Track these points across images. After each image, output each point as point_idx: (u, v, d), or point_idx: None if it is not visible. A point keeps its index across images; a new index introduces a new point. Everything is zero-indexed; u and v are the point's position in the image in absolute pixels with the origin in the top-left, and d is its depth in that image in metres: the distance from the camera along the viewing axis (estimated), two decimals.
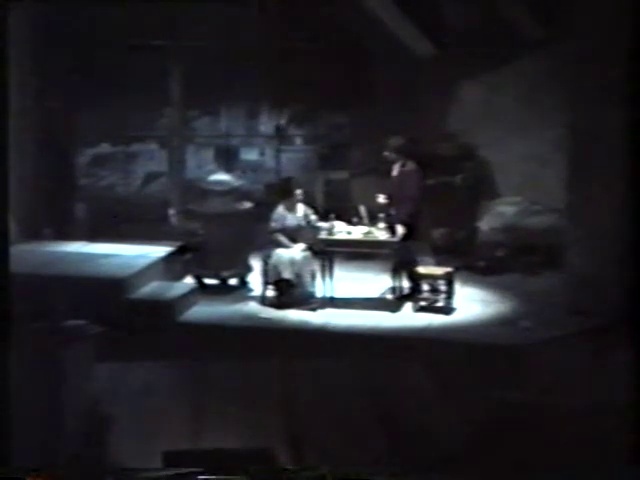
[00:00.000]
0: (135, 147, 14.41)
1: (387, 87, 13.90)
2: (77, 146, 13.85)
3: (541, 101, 12.96)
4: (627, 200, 9.57)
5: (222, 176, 12.12)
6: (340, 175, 13.80)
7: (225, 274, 11.74)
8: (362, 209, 11.13)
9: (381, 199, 11.08)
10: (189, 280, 11.70)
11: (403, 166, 11.17)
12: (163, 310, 10.54)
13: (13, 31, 7.03)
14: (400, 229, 10.91)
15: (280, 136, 14.37)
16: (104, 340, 7.75)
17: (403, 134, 11.33)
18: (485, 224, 12.91)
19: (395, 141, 11.15)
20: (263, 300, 11.14)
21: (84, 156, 14.18)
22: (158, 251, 11.71)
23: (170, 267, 11.63)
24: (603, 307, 10.08)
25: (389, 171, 11.29)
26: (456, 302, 10.99)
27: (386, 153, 11.20)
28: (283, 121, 14.52)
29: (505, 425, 7.70)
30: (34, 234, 12.15)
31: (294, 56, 13.54)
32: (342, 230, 11.09)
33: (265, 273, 11.17)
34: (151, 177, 14.39)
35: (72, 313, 7.60)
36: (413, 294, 11.09)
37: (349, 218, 11.17)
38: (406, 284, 11.19)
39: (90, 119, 13.73)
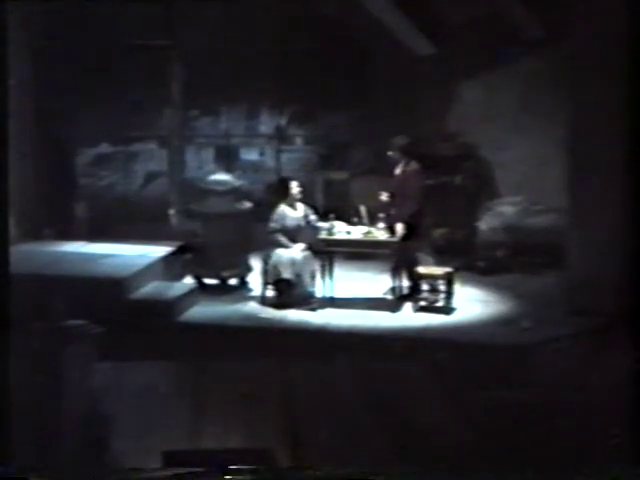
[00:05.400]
0: (135, 147, 14.42)
1: (387, 87, 13.92)
2: (77, 146, 13.85)
3: (541, 101, 12.97)
4: (627, 200, 9.57)
5: (222, 176, 12.12)
6: (340, 175, 13.80)
7: (225, 274, 11.74)
8: (362, 209, 11.13)
9: (384, 197, 11.09)
10: (189, 280, 11.70)
11: (406, 165, 11.18)
12: (163, 310, 10.54)
13: (13, 31, 7.03)
14: (400, 229, 10.92)
15: (280, 136, 14.37)
16: (104, 340, 7.74)
17: (403, 134, 11.34)
18: (485, 224, 12.91)
19: (399, 141, 11.16)
20: (263, 300, 11.15)
21: (84, 156, 14.18)
22: (158, 251, 11.71)
23: (170, 267, 11.63)
24: (603, 307, 10.08)
25: (390, 171, 11.29)
26: (456, 302, 10.99)
27: (390, 153, 11.21)
28: (283, 121, 14.52)
29: (505, 425, 7.69)
30: (34, 234, 12.15)
31: (294, 56, 13.55)
32: (342, 230, 11.09)
33: (265, 273, 11.17)
34: (151, 177, 14.39)
35: (72, 313, 7.60)
36: (413, 294, 11.09)
37: (349, 218, 11.18)
38: (406, 284, 11.20)
39: (90, 119, 13.73)
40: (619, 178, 9.88)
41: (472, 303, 11.18)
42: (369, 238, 11.00)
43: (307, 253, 11.12)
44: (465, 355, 9.40)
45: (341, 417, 7.94)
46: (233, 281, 11.87)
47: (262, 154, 14.60)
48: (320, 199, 13.35)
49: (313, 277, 11.11)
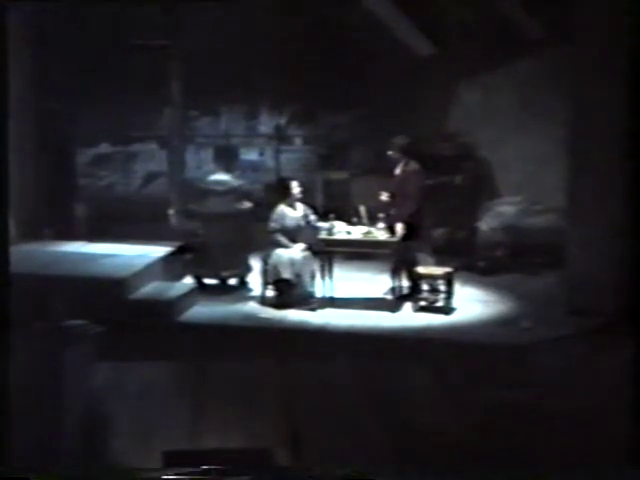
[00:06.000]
0: (135, 147, 14.44)
1: (387, 87, 13.92)
2: (77, 146, 13.86)
3: (541, 101, 12.97)
4: (627, 200, 9.57)
5: (222, 176, 12.12)
6: (340, 175, 13.81)
7: (225, 274, 11.75)
8: (362, 209, 11.13)
9: (384, 197, 11.09)
10: (189, 280, 11.70)
11: (406, 165, 11.19)
12: (163, 310, 10.54)
13: (13, 31, 7.03)
14: (400, 229, 10.92)
15: (280, 136, 14.38)
16: (104, 340, 7.74)
17: (403, 134, 11.34)
18: (485, 224, 12.91)
19: (399, 141, 11.16)
20: (263, 300, 11.15)
21: (84, 156, 14.19)
22: (158, 251, 11.71)
23: (170, 267, 11.63)
24: (603, 307, 10.09)
25: (390, 171, 11.30)
26: (456, 302, 10.99)
27: (390, 153, 11.21)
28: (283, 121, 14.53)
29: (505, 425, 7.69)
30: (34, 234, 12.15)
31: (294, 56, 13.55)
32: (342, 230, 11.09)
33: (265, 273, 11.17)
34: (151, 177, 14.40)
35: (72, 313, 7.60)
36: (413, 294, 11.09)
37: (349, 218, 11.18)
38: (406, 284, 11.20)
39: (90, 119, 13.74)
40: (619, 178, 9.88)
41: (472, 303, 11.18)
42: (369, 238, 11.00)
43: (307, 253, 11.12)
44: (465, 355, 9.40)
45: (341, 417, 7.94)
46: (233, 281, 11.88)
47: (262, 154, 14.61)
48: (320, 199, 13.35)
49: (313, 277, 11.11)
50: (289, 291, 11.05)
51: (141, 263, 11.23)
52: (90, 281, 10.51)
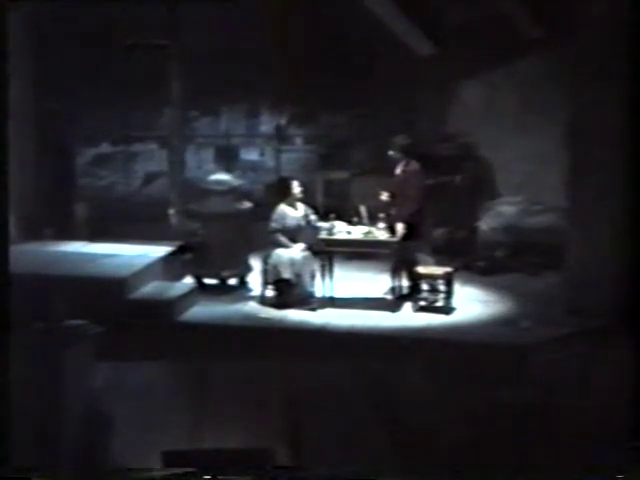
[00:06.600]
0: (135, 147, 14.44)
1: (387, 87, 13.92)
2: (77, 146, 13.86)
3: (541, 101, 12.97)
4: (627, 200, 9.57)
5: (222, 176, 12.12)
6: (340, 175, 13.81)
7: (225, 274, 11.75)
8: (362, 209, 11.13)
9: (384, 196, 11.09)
10: (189, 280, 11.70)
11: (407, 165, 11.19)
12: (163, 310, 10.54)
13: (13, 31, 7.03)
14: (400, 229, 10.92)
15: (280, 136, 14.38)
16: (104, 340, 7.75)
17: (403, 134, 11.34)
18: (485, 224, 12.91)
19: (400, 140, 11.16)
20: (263, 300, 11.15)
21: (84, 156, 14.19)
22: (158, 251, 11.71)
23: (170, 267, 11.63)
24: (603, 307, 10.08)
25: (390, 171, 11.30)
26: (456, 302, 10.99)
27: (391, 152, 11.21)
28: (283, 121, 14.53)
29: (505, 425, 7.70)
30: (34, 234, 12.15)
31: (294, 56, 13.55)
32: (342, 230, 11.09)
33: (265, 273, 11.17)
34: (151, 177, 14.40)
35: (72, 313, 7.60)
36: (413, 294, 11.10)
37: (349, 218, 11.18)
38: (406, 284, 11.20)
39: (90, 119, 13.74)
40: (619, 178, 9.87)
41: (472, 303, 11.18)
42: (369, 238, 11.00)
43: (307, 253, 11.12)
44: (465, 355, 9.40)
45: (341, 417, 7.94)
46: (233, 281, 11.88)
47: (262, 154, 14.61)
48: (320, 199, 13.35)
49: (313, 277, 11.11)
50: (289, 291, 11.05)
51: (141, 263, 11.23)
52: (90, 281, 10.50)
